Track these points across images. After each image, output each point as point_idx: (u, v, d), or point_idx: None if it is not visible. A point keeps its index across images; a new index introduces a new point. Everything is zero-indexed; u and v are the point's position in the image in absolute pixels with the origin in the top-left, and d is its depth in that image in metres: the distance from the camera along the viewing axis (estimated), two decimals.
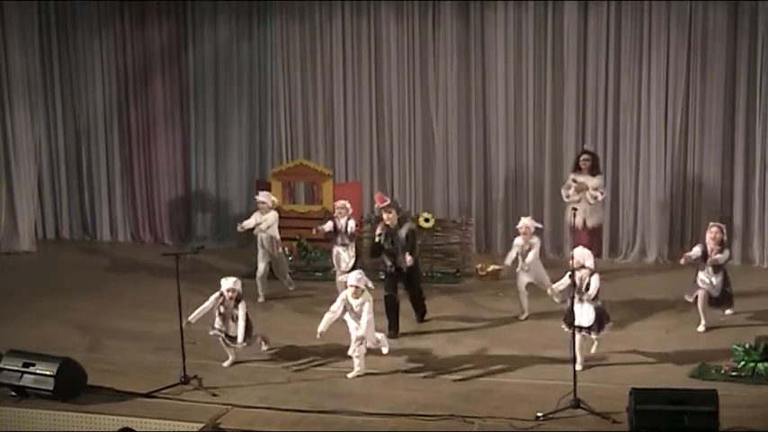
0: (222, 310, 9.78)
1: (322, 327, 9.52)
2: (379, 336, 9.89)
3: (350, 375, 9.56)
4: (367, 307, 9.54)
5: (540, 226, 11.87)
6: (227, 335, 9.84)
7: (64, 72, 16.06)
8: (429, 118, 14.85)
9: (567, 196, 13.11)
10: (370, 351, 9.77)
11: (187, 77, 15.68)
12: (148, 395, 9.02)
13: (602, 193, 13.12)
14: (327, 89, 15.17)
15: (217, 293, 9.82)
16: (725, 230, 10.91)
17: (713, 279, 10.65)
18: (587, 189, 13.00)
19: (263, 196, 12.58)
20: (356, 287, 9.57)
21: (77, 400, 8.94)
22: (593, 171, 13.09)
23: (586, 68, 14.13)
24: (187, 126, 15.84)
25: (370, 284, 9.77)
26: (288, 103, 15.36)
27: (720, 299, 10.75)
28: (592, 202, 13.01)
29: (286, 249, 13.17)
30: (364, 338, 9.59)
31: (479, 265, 13.32)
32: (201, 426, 8.35)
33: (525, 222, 11.53)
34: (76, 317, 11.73)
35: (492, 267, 13.18)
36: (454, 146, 14.77)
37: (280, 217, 13.47)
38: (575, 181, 13.09)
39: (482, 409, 8.57)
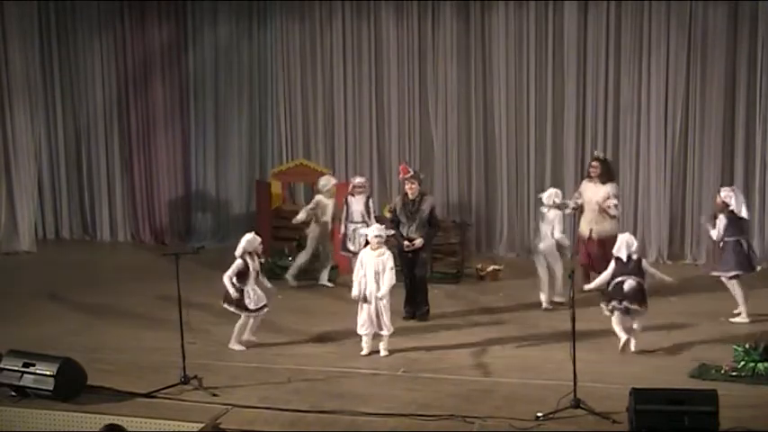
0: (258, 265, 10.13)
1: (355, 291, 10.01)
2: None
3: (362, 353, 10.04)
4: (389, 262, 9.93)
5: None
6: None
7: (64, 72, 16.05)
8: (429, 118, 14.84)
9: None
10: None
11: (187, 78, 15.68)
12: (148, 395, 8.99)
13: (615, 205, 11.85)
14: (327, 89, 15.17)
15: (239, 261, 10.07)
16: (724, 194, 10.97)
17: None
18: (583, 203, 11.98)
19: (333, 179, 12.96)
20: (378, 237, 9.98)
21: (77, 400, 8.91)
22: (604, 179, 11.91)
23: (586, 69, 14.14)
24: (187, 126, 15.83)
25: (388, 233, 10.29)
26: (288, 103, 15.35)
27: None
28: (612, 211, 11.83)
29: (286, 249, 13.19)
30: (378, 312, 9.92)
31: (479, 265, 13.32)
32: (201, 426, 8.33)
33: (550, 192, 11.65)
34: (76, 317, 11.73)
35: (492, 267, 13.19)
36: (454, 146, 14.77)
37: (280, 217, 13.49)
38: (578, 196, 12.11)
39: (482, 409, 8.55)
